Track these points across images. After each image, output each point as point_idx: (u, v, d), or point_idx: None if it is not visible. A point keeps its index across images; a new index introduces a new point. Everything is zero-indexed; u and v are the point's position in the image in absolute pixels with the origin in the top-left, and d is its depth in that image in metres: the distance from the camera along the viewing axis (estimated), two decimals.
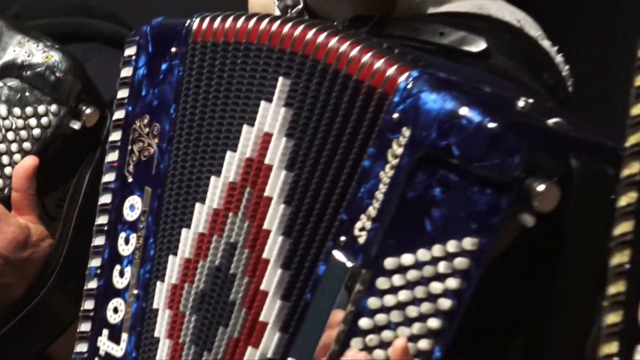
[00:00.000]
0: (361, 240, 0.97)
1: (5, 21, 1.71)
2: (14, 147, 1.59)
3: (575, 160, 0.93)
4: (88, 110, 1.58)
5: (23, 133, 1.62)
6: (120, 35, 1.80)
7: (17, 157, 1.60)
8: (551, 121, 0.96)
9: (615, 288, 0.90)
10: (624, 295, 0.90)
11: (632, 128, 0.90)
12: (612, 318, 0.89)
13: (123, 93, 1.34)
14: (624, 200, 0.90)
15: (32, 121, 1.63)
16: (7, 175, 1.60)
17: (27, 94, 1.64)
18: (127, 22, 1.92)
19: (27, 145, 1.61)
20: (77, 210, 1.62)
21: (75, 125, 1.59)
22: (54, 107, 1.62)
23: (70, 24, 1.88)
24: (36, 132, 1.61)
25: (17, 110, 1.64)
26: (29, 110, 1.62)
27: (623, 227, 0.90)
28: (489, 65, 1.22)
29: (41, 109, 1.62)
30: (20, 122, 1.63)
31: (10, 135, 1.58)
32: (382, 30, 1.24)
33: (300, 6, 1.31)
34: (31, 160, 1.55)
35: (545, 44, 1.31)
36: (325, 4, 1.28)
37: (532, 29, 1.31)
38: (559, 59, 1.31)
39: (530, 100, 0.96)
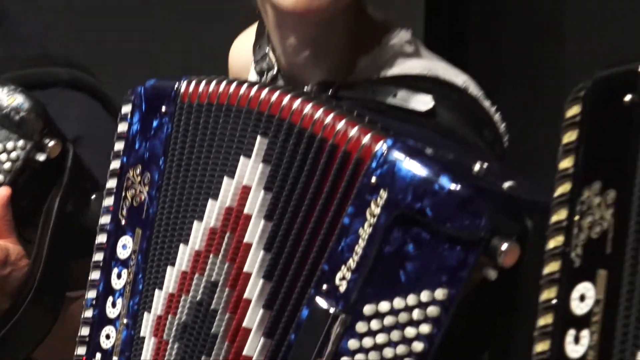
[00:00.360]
0: (342, 288, 1.07)
1: None
2: None
3: (529, 220, 1.04)
4: (51, 143, 1.71)
5: None
6: (77, 79, 2.02)
7: None
8: (506, 185, 1.07)
9: (544, 320, 0.99)
10: (551, 327, 0.98)
11: (560, 180, 1.00)
12: (541, 347, 0.99)
13: (119, 145, 1.43)
14: (552, 244, 0.99)
15: (3, 156, 1.76)
16: None
17: None
18: (84, 65, 2.07)
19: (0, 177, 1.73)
20: (49, 232, 1.73)
21: (41, 157, 1.73)
22: (21, 143, 1.76)
23: (33, 75, 2.02)
24: (7, 165, 1.74)
25: None
26: None
27: (551, 267, 0.99)
28: (436, 122, 1.33)
29: (10, 145, 1.75)
30: None
31: None
32: (344, 93, 1.37)
33: (275, 70, 1.42)
34: (5, 191, 1.68)
35: (486, 103, 1.41)
36: (296, 71, 1.40)
37: (475, 89, 1.41)
38: (497, 117, 1.41)
39: (485, 165, 1.08)
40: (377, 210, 1.11)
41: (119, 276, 1.39)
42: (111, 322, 1.42)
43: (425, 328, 1.05)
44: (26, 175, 1.79)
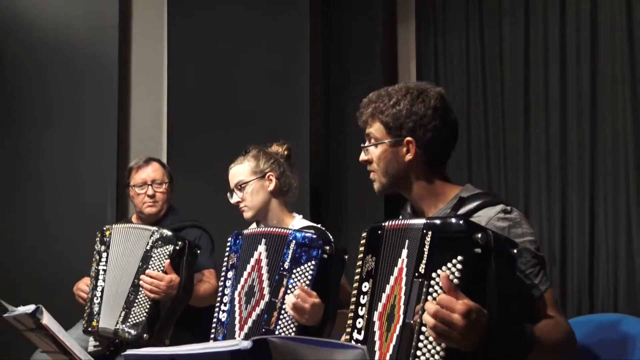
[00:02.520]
0: (286, 266, 2.45)
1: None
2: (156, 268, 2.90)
3: (330, 245, 2.36)
4: (180, 243, 2.87)
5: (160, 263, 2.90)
6: (194, 225, 3.28)
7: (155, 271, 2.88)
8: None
9: (364, 287, 1.79)
10: (356, 292, 1.80)
11: (364, 262, 1.83)
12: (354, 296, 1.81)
13: (228, 247, 2.63)
14: (364, 269, 1.80)
15: (164, 257, 2.91)
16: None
17: (161, 248, 2.89)
18: (198, 220, 3.30)
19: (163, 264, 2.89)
20: (184, 270, 2.87)
21: (177, 247, 2.88)
22: (170, 247, 2.90)
23: (178, 226, 3.26)
24: (166, 261, 2.89)
25: (158, 259, 2.89)
26: (166, 252, 2.90)
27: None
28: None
29: (169, 248, 2.93)
30: (160, 260, 2.89)
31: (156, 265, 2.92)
32: None
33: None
34: (172, 275, 2.86)
35: (327, 232, 2.68)
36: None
37: (321, 228, 2.73)
38: (330, 236, 2.58)
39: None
40: (292, 245, 2.41)
41: (225, 305, 2.55)
42: (222, 321, 2.55)
43: (310, 274, 2.34)
44: (179, 256, 2.86)
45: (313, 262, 2.39)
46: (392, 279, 1.77)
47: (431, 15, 4.61)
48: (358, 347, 1.36)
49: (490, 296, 1.61)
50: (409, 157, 1.98)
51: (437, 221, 1.72)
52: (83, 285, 3.11)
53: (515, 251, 1.68)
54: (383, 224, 1.85)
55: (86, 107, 4.11)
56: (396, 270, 1.77)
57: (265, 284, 2.47)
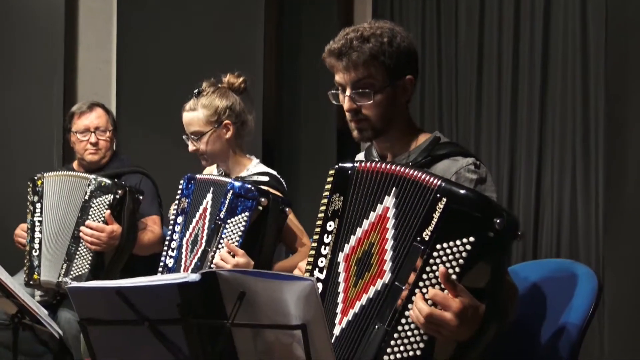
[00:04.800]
0: (222, 215, 2.35)
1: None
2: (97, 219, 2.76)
3: (266, 197, 2.30)
4: (120, 190, 2.74)
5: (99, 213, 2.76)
6: (135, 170, 3.08)
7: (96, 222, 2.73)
8: (264, 187, 2.44)
9: (329, 226, 1.71)
10: (320, 227, 1.72)
11: (332, 198, 1.73)
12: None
13: (179, 192, 2.52)
14: (330, 209, 1.70)
15: (104, 206, 2.74)
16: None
17: (100, 198, 2.76)
18: (140, 165, 3.10)
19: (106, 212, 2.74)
20: (127, 218, 2.75)
21: (118, 196, 2.75)
22: (110, 196, 2.77)
23: (119, 172, 3.06)
24: (106, 207, 2.75)
25: (98, 208, 2.74)
26: (105, 202, 2.76)
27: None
28: (264, 182, 2.45)
29: (110, 197, 2.78)
30: (100, 210, 2.74)
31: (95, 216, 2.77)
32: None
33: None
34: (113, 226, 2.72)
35: (281, 183, 2.59)
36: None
37: (276, 177, 2.60)
38: (281, 186, 2.56)
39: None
40: (229, 195, 2.31)
41: (172, 251, 2.51)
42: (168, 267, 2.52)
43: (243, 224, 2.27)
44: (120, 205, 2.75)
45: (247, 214, 2.31)
46: (366, 223, 1.67)
47: None
48: (307, 279, 1.31)
49: (494, 285, 1.49)
50: (405, 97, 1.83)
51: (456, 190, 1.56)
52: (21, 231, 2.97)
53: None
54: (353, 164, 1.73)
55: (32, 52, 3.97)
56: (374, 215, 1.65)
57: (205, 232, 2.40)
